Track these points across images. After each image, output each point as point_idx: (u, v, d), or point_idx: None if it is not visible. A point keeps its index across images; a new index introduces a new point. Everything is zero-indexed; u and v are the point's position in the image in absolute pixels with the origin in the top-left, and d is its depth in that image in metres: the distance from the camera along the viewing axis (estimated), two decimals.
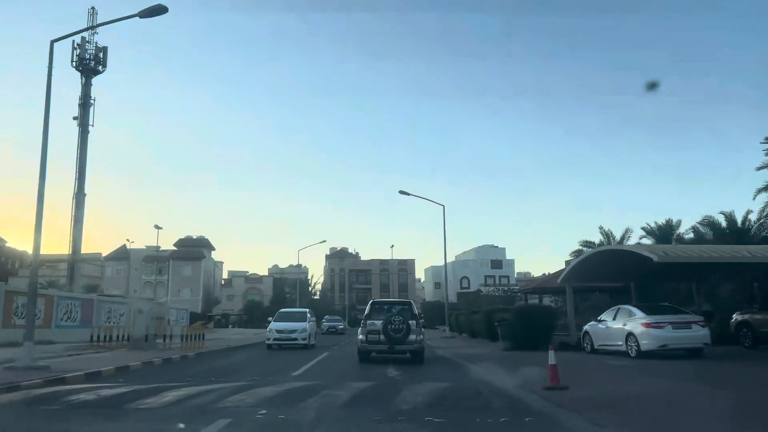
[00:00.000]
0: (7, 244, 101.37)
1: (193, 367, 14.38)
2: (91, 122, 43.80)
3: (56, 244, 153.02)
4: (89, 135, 43.64)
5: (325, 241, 66.50)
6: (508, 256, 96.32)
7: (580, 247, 36.31)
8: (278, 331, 22.01)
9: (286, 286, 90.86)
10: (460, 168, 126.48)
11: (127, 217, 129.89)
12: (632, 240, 35.49)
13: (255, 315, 79.51)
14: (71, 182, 41.93)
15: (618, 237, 35.80)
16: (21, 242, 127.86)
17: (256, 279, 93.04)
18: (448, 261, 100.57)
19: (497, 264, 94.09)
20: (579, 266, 19.79)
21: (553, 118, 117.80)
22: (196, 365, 15.15)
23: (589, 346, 17.26)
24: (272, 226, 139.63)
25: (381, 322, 15.52)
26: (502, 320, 18.88)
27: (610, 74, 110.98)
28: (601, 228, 36.46)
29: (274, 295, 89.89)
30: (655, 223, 33.45)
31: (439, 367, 14.67)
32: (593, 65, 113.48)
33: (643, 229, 33.97)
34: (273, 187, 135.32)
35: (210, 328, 57.05)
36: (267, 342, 22.21)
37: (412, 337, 15.38)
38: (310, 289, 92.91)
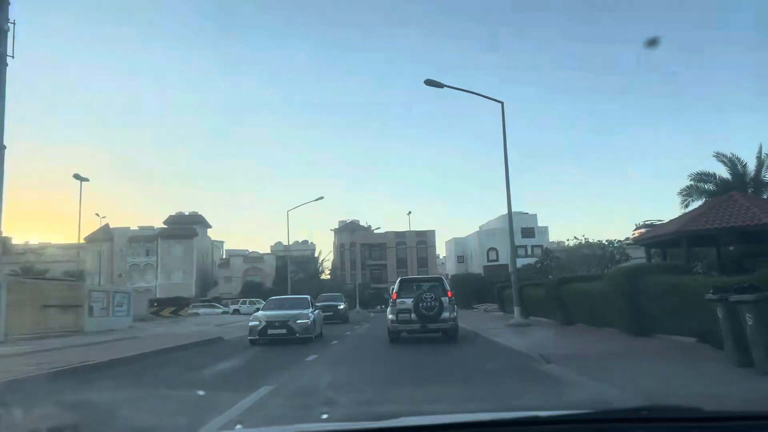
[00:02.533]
0: None
1: None
2: (9, 52, 32.81)
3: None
4: (7, 68, 32.73)
5: (322, 198, 51.38)
6: (540, 223, 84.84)
7: (692, 183, 25.76)
8: None
9: (291, 264, 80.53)
10: (478, 133, 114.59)
11: (107, 194, 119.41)
12: None
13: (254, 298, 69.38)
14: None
15: (751, 166, 25.10)
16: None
17: (256, 258, 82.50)
18: (471, 232, 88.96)
19: (528, 232, 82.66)
20: None
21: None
22: None
23: None
24: (277, 203, 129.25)
25: (411, 300, 14.92)
26: (748, 290, 7.08)
27: None
28: (718, 155, 25.74)
29: (277, 275, 79.68)
30: None
31: None
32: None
33: None
34: (277, 157, 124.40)
35: (179, 315, 45.78)
36: None
37: (446, 314, 14.78)
38: (318, 267, 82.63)
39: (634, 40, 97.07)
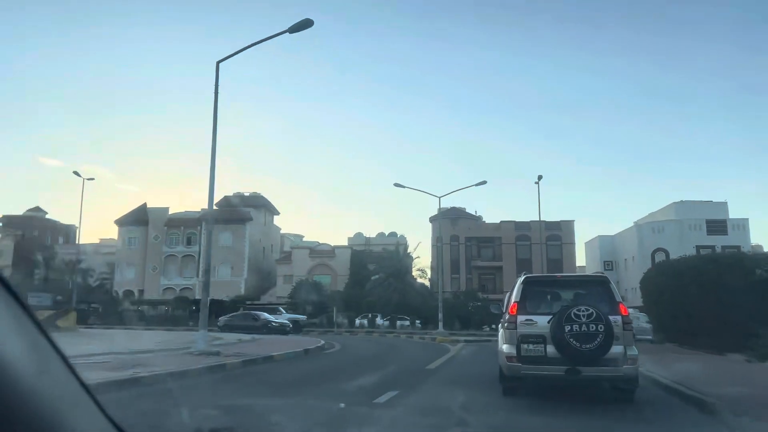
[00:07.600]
0: (47, 216, 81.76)
1: None
2: None
3: None
4: None
5: (287, 32, 15.89)
6: (732, 215, 56.91)
7: None
8: None
9: (371, 261, 59.23)
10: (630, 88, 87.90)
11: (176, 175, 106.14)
12: None
13: (302, 303, 48.90)
14: None
15: None
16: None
17: (325, 252, 62.39)
18: (627, 227, 61.05)
19: (717, 227, 55.27)
20: None
21: None
22: None
23: None
24: (366, 192, 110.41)
25: (549, 317, 7.58)
26: None
27: None
28: None
29: (351, 274, 58.82)
30: None
31: None
32: None
33: None
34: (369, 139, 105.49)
35: (56, 327, 26.16)
36: None
37: (617, 349, 7.29)
38: (408, 266, 60.67)
39: None
